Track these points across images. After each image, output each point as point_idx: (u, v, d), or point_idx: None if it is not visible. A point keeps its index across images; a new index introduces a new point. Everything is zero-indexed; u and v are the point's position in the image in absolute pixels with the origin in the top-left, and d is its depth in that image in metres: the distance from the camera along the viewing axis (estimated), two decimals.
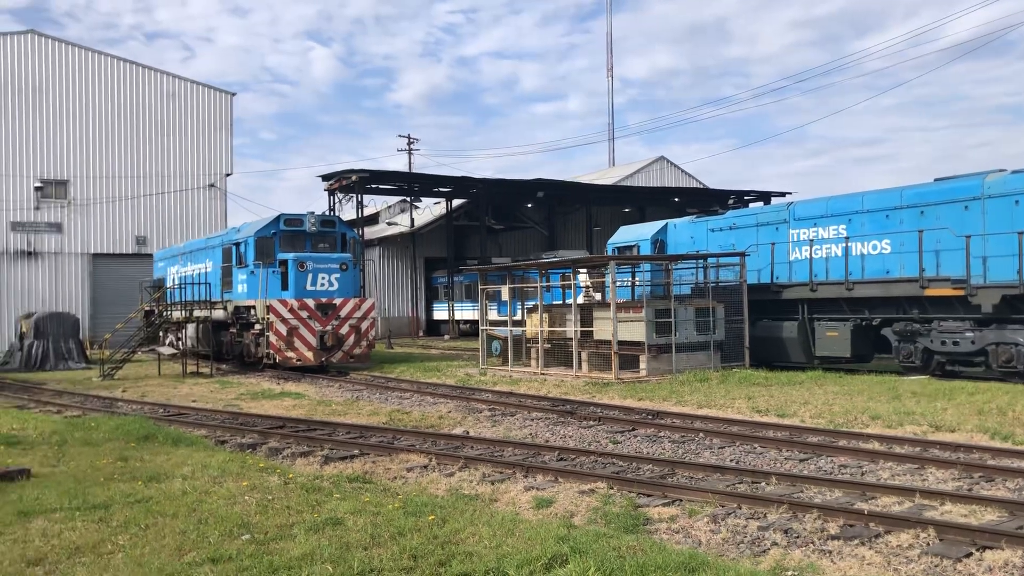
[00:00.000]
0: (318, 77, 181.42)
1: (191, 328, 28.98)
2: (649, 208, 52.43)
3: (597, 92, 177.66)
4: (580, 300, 30.00)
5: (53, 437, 12.56)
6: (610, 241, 27.36)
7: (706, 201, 52.76)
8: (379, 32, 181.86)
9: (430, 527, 6.94)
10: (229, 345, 27.02)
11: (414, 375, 23.15)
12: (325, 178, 43.20)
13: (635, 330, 20.11)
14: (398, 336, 44.93)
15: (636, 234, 26.83)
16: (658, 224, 26.64)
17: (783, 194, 52.61)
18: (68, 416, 16.55)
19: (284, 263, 24.32)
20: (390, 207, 57.34)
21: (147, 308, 34.30)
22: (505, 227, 51.39)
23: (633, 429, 13.32)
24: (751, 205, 54.29)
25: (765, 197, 52.89)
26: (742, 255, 21.65)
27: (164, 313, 28.18)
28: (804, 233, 21.78)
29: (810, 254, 21.27)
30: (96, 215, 42.89)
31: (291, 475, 9.27)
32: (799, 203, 22.56)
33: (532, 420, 14.70)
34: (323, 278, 24.38)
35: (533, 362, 23.57)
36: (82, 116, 42.69)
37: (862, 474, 9.87)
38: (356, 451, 11.90)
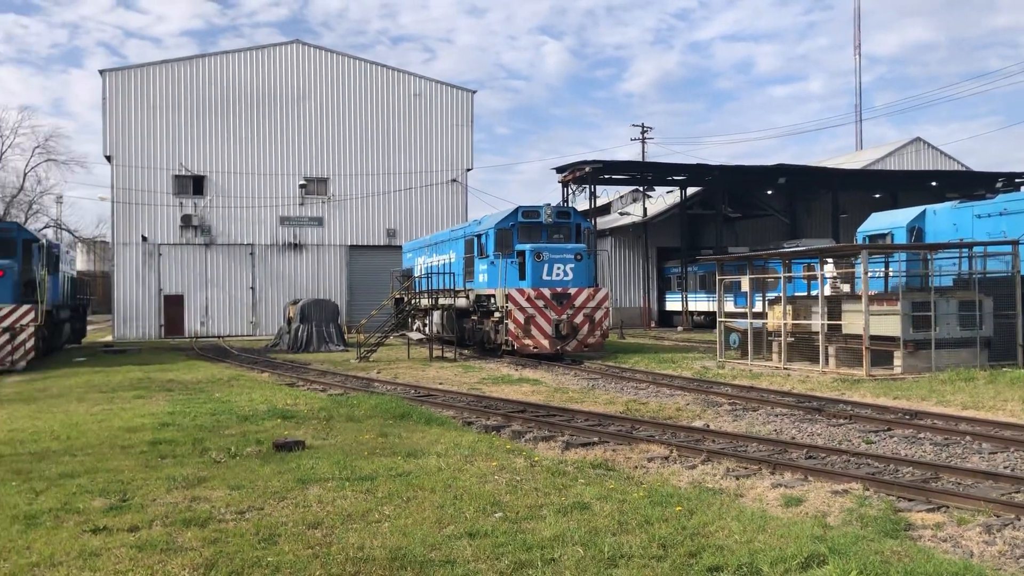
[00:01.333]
0: (550, 71, 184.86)
1: (436, 315, 30.57)
2: (902, 194, 48.69)
3: (840, 72, 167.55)
4: (826, 292, 28.52)
5: (321, 413, 13.72)
6: (860, 229, 25.73)
7: (969, 185, 48.31)
8: (611, 22, 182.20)
9: (677, 518, 6.88)
10: (470, 332, 28.23)
11: (648, 366, 23.04)
12: (559, 170, 43.95)
13: (889, 324, 18.80)
14: (629, 326, 44.89)
15: (890, 221, 25.05)
16: (915, 211, 24.70)
17: None
18: (331, 394, 17.99)
19: (522, 254, 25.03)
20: (622, 197, 57.34)
21: (396, 296, 36.62)
22: (742, 215, 49.80)
23: (889, 429, 12.47)
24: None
25: None
26: (1015, 243, 19.60)
27: (412, 301, 29.90)
28: None
29: None
30: (351, 210, 46.37)
31: (536, 458, 9.53)
32: None
33: (776, 416, 14.15)
34: (558, 268, 24.84)
35: (775, 356, 22.70)
36: (339, 118, 46.28)
37: None
38: (595, 438, 12.02)
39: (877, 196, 49.41)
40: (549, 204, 26.14)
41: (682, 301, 47.32)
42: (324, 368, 24.53)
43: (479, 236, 26.98)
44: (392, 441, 10.81)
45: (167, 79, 43.94)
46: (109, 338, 43.41)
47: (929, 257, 20.70)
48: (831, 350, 20.36)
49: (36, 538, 6.79)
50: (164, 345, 37.38)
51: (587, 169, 41.05)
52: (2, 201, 60.89)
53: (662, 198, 50.51)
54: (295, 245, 45.63)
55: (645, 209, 48.46)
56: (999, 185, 48.42)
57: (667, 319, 50.31)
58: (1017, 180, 48.96)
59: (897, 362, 18.74)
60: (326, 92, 46.20)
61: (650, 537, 6.33)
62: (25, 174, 61.56)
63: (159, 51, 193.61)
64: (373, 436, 11.21)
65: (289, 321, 35.80)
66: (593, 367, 23.00)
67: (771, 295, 24.39)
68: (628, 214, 50.26)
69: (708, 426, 13.06)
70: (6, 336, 24.28)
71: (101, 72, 43.47)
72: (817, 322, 20.59)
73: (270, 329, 44.20)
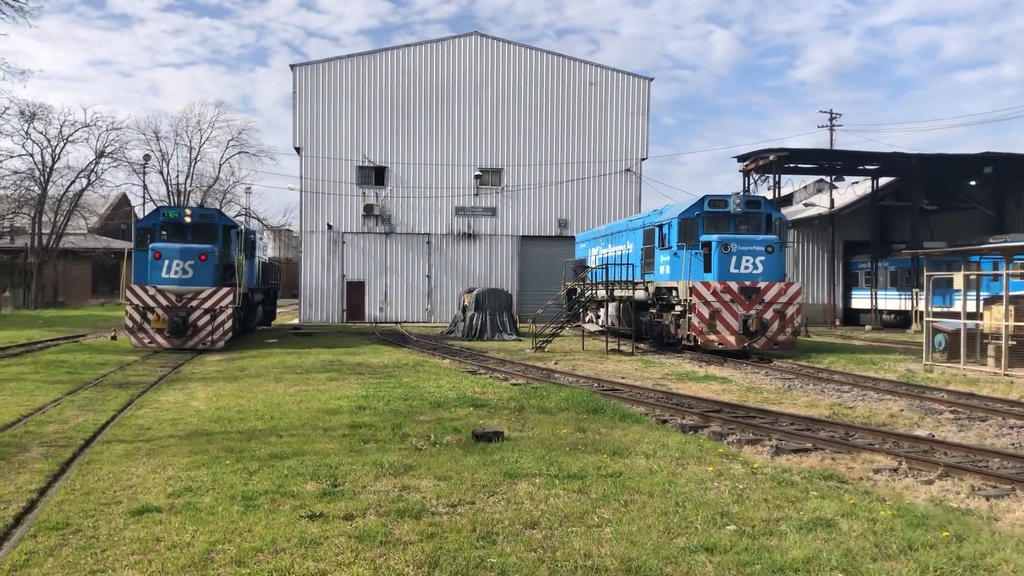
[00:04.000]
0: (717, 60, 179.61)
1: (611, 307, 29.99)
2: None
3: None
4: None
5: (511, 403, 13.47)
6: None
7: None
8: (781, 9, 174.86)
9: (946, 544, 6.02)
10: (648, 325, 27.46)
11: (846, 367, 21.53)
12: (740, 159, 42.27)
13: None
14: (813, 324, 42.56)
15: None
16: None
17: None
18: (516, 383, 17.79)
19: (707, 245, 24.00)
20: (806, 187, 54.61)
21: (570, 286, 36.29)
22: (939, 208, 46.15)
23: None
24: None
25: None
26: None
27: (590, 292, 29.43)
28: None
29: None
30: (524, 200, 46.45)
31: (755, 464, 8.79)
32: None
33: (1011, 429, 12.67)
34: (747, 260, 23.64)
35: (990, 360, 20.64)
36: (514, 108, 46.42)
37: None
38: (808, 444, 11.10)
39: None
40: (738, 193, 24.97)
41: (871, 299, 44.46)
42: (501, 357, 24.48)
43: (660, 226, 26.12)
44: (591, 437, 10.34)
45: (351, 73, 45.51)
46: (296, 321, 45.59)
47: None
48: None
49: (256, 521, 6.76)
50: (347, 329, 38.75)
51: (771, 157, 39.21)
52: (199, 190, 65.19)
53: (852, 189, 47.62)
54: (469, 235, 46.23)
55: (832, 200, 45.78)
56: None
57: (853, 317, 47.47)
58: None
59: None
60: (502, 83, 46.45)
61: (920, 567, 5.52)
62: (220, 165, 65.66)
63: (337, 49, 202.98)
64: (570, 430, 10.79)
65: (464, 309, 36.23)
66: (784, 366, 21.74)
67: (985, 294, 22.21)
68: (813, 205, 47.72)
69: (932, 436, 11.82)
70: (207, 317, 25.70)
71: (292, 67, 45.54)
72: None
73: (443, 316, 45.03)
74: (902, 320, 43.24)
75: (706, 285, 23.48)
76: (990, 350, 20.86)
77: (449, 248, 46.17)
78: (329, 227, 45.29)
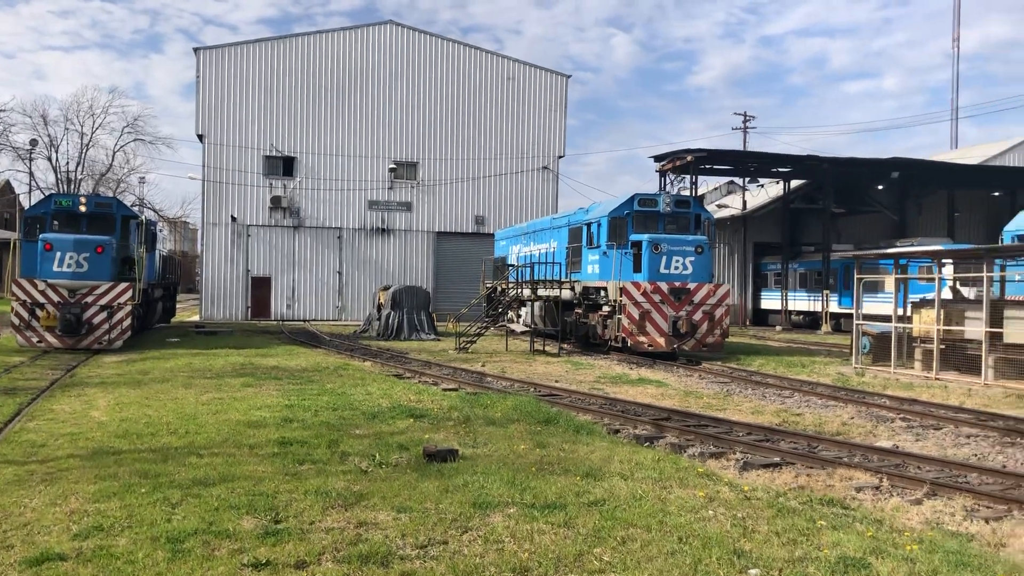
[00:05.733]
0: (619, 63, 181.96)
1: (535, 307, 29.19)
2: (1021, 192, 45.63)
3: (916, 69, 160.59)
4: (943, 295, 26.25)
5: (453, 413, 12.44)
6: (1008, 228, 23.57)
7: None
8: (680, 15, 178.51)
9: None
10: (574, 325, 26.77)
11: (776, 369, 21.30)
12: (657, 159, 42.11)
13: None
14: None
15: None
16: None
17: None
18: (446, 388, 16.76)
19: (638, 244, 23.44)
20: (717, 188, 55.18)
21: (490, 285, 35.37)
22: (846, 211, 47.17)
23: None
24: None
25: None
26: None
27: (513, 291, 28.55)
28: None
29: None
30: (440, 195, 45.30)
31: (746, 488, 8.02)
32: None
33: (968, 438, 12.36)
34: (677, 261, 23.19)
35: (918, 364, 20.72)
36: (431, 101, 45.18)
37: None
38: (776, 458, 10.46)
39: (996, 194, 46.37)
40: (668, 192, 24.53)
41: (782, 300, 45.08)
42: (425, 359, 23.38)
43: (589, 224, 25.45)
44: (554, 454, 9.42)
45: (259, 59, 43.42)
46: (196, 318, 43.27)
47: None
48: (990, 360, 18.33)
49: (188, 573, 5.57)
50: (253, 327, 36.86)
51: (689, 158, 39.13)
52: (91, 178, 61.51)
53: (766, 191, 48.22)
54: (383, 230, 44.80)
55: (744, 202, 46.25)
56: None
57: (762, 318, 48.12)
58: None
59: None
60: (418, 74, 45.15)
61: None
62: (114, 153, 62.07)
63: (235, 38, 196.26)
64: (529, 446, 9.84)
65: (379, 307, 34.88)
66: (715, 369, 21.35)
67: (914, 297, 22.35)
68: (726, 207, 48.15)
69: (897, 447, 11.37)
70: (103, 314, 23.71)
71: (196, 50, 43.15)
72: (976, 329, 18.59)
73: (355, 314, 43.50)
74: (811, 321, 43.97)
75: (636, 285, 22.92)
76: (917, 353, 20.93)
77: (361, 243, 44.63)
78: (233, 219, 43.13)
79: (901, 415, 14.24)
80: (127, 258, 25.63)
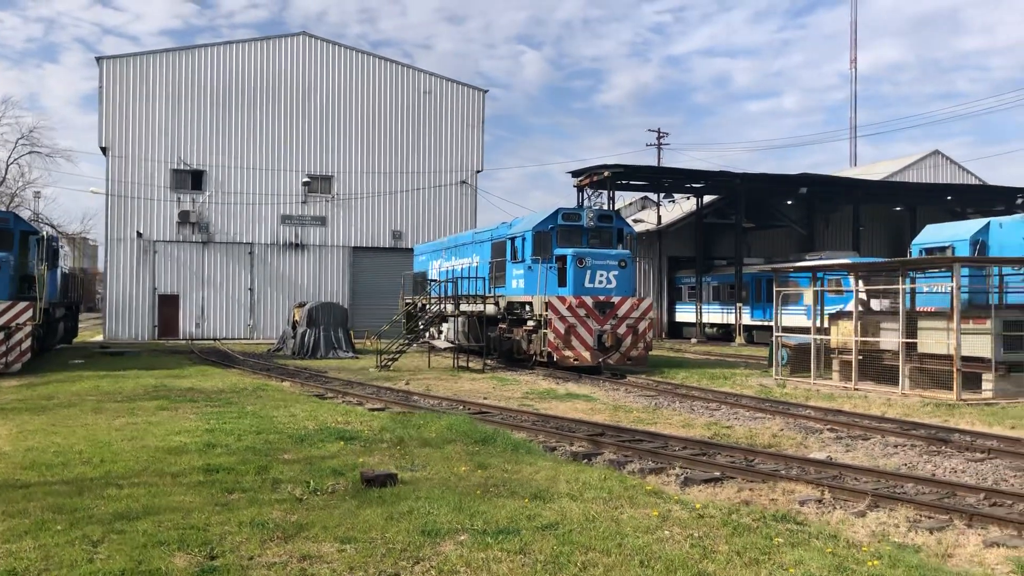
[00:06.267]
0: (529, 80, 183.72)
1: (457, 322, 28.87)
2: (921, 208, 47.68)
3: (813, 89, 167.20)
4: (848, 308, 27.10)
5: (385, 435, 12.02)
6: (916, 241, 24.33)
7: (989, 200, 47.33)
8: (588, 35, 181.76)
9: None
10: (497, 341, 26.54)
11: (700, 382, 21.49)
12: (575, 174, 42.40)
13: (976, 344, 17.34)
14: None
15: (949, 234, 23.64)
16: (977, 223, 23.33)
17: None
18: (372, 408, 16.29)
19: (562, 259, 23.40)
20: (631, 204, 55.91)
21: (410, 301, 34.85)
22: (756, 225, 48.44)
23: None
24: None
25: None
26: None
27: (437, 307, 28.14)
28: None
29: None
30: (356, 210, 44.54)
31: (697, 505, 7.89)
32: None
33: (895, 448, 12.60)
34: (601, 275, 23.24)
35: (836, 374, 21.23)
36: (346, 114, 44.45)
37: None
38: (717, 473, 10.41)
39: (897, 209, 48.29)
40: (591, 206, 24.59)
41: (696, 313, 45.86)
42: (345, 377, 22.78)
43: (513, 239, 25.30)
44: (497, 475, 9.14)
45: (166, 69, 41.95)
46: (99, 338, 41.37)
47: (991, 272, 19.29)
48: (905, 370, 18.88)
49: None
50: (160, 347, 35.41)
51: (606, 173, 39.51)
52: None
53: (679, 205, 49.07)
54: (296, 245, 43.74)
55: (659, 217, 46.97)
56: (1019, 201, 47.47)
57: (676, 330, 48.88)
58: None
59: (987, 385, 17.30)
60: (333, 87, 44.38)
61: None
62: (7, 166, 59.00)
63: (136, 49, 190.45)
64: (470, 468, 9.53)
65: (294, 325, 33.95)
66: (639, 382, 21.42)
67: (832, 309, 22.91)
68: (641, 221, 48.79)
69: (831, 458, 11.49)
70: (0, 336, 22.34)
71: (98, 59, 41.45)
72: (892, 340, 19.14)
73: (268, 332, 42.31)
74: (724, 333, 44.88)
75: (562, 300, 22.85)
76: (835, 364, 21.44)
77: (274, 259, 43.46)
78: (139, 235, 41.46)
79: (828, 426, 14.47)
80: (27, 276, 24.26)
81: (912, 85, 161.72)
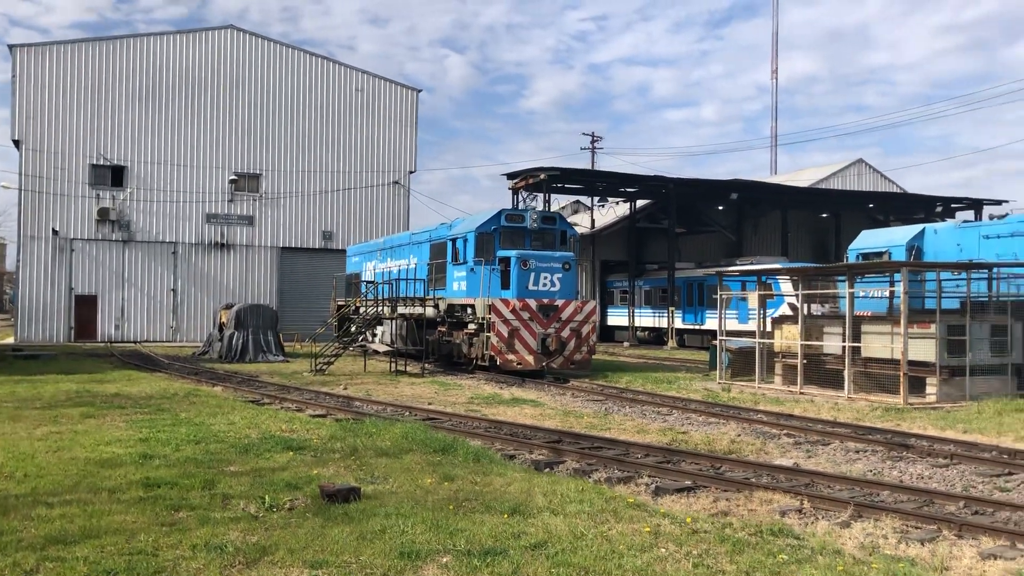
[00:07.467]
0: (453, 84, 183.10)
1: (395, 325, 28.13)
2: (845, 214, 48.81)
3: (731, 99, 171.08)
4: (779, 313, 27.39)
5: (336, 444, 11.33)
6: (852, 246, 24.69)
7: (909, 208, 48.79)
8: (511, 40, 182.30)
9: None
10: (436, 344, 25.91)
11: (645, 386, 21.26)
12: (510, 176, 42.04)
13: (921, 348, 17.51)
14: None
15: (886, 239, 24.05)
16: (912, 229, 23.82)
17: (998, 202, 47.99)
18: (313, 415, 15.53)
19: (506, 261, 22.92)
20: (564, 207, 55.82)
21: (342, 303, 33.92)
22: (687, 230, 48.85)
23: (1010, 473, 10.90)
24: (957, 214, 49.88)
25: (976, 206, 48.43)
26: None
27: (373, 309, 27.33)
28: None
29: None
30: (285, 209, 43.31)
31: (688, 520, 7.48)
32: None
33: (857, 453, 12.47)
34: (545, 278, 22.84)
35: (778, 378, 21.27)
36: (275, 111, 43.18)
37: None
38: (688, 482, 10.05)
39: (824, 215, 49.31)
40: (535, 208, 24.20)
41: (629, 316, 45.94)
42: (279, 382, 21.89)
43: (454, 240, 24.70)
44: (467, 488, 8.58)
45: (87, 60, 40.06)
46: (10, 340, 39.20)
47: (941, 276, 19.58)
48: (849, 374, 18.97)
49: None
50: (77, 350, 33.68)
51: (542, 176, 39.24)
52: None
53: (613, 210, 49.16)
54: (222, 245, 42.26)
55: (593, 220, 46.96)
56: (938, 209, 49.04)
57: (608, 334, 48.91)
58: (953, 206, 49.72)
59: (931, 389, 17.47)
60: (261, 82, 43.06)
61: None
62: None
63: (46, 40, 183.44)
64: (436, 480, 8.95)
65: (221, 327, 32.66)
66: (585, 386, 21.09)
67: (774, 314, 22.98)
68: (575, 225, 48.64)
69: (797, 465, 11.27)
70: None
71: (11, 47, 39.31)
72: (836, 344, 19.23)
73: (192, 335, 40.76)
74: (655, 337, 45.05)
75: (506, 302, 22.37)
76: (778, 368, 21.48)
77: (199, 259, 41.91)
78: (55, 233, 39.47)
79: (785, 431, 14.31)
80: None
81: (825, 97, 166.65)
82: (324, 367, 24.70)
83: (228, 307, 33.54)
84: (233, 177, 42.28)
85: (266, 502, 7.94)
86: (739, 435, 13.97)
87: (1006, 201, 47.09)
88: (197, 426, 13.02)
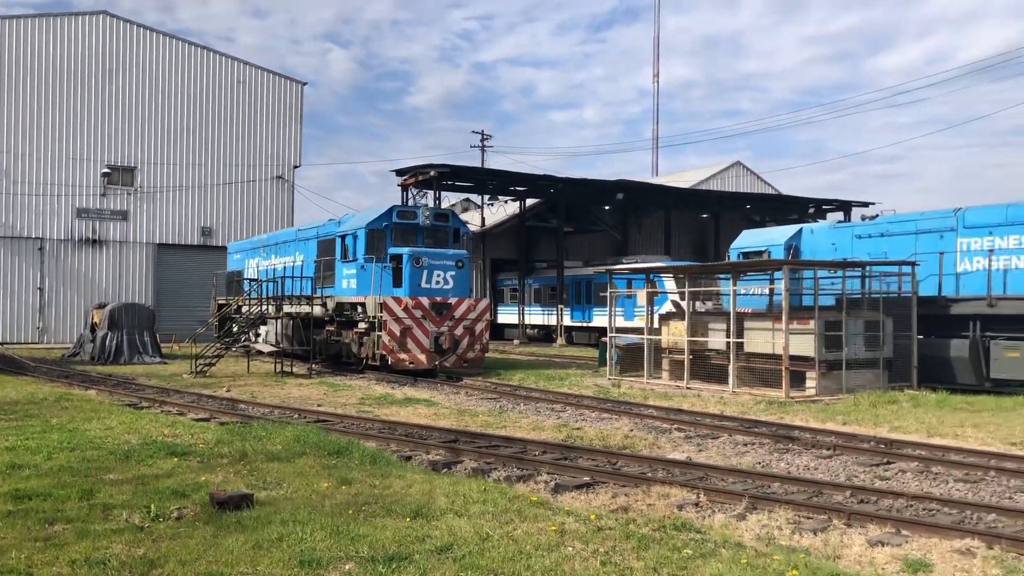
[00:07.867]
0: (336, 78, 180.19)
1: (280, 324, 27.33)
2: (724, 214, 50.49)
3: (613, 102, 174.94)
4: (664, 311, 28.12)
5: (223, 448, 10.83)
6: (734, 246, 25.50)
7: (784, 210, 50.81)
8: (396, 36, 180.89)
9: None
10: (324, 344, 25.32)
11: (537, 383, 21.37)
12: (399, 172, 41.52)
13: (801, 343, 18.20)
14: None
15: (765, 239, 24.95)
16: (790, 229, 24.79)
17: (865, 204, 50.53)
18: (197, 418, 14.88)
19: (398, 258, 22.59)
20: (454, 205, 55.64)
21: (223, 302, 32.76)
22: (575, 229, 49.50)
23: (888, 462, 11.41)
24: (828, 215, 52.28)
25: (846, 207, 50.89)
26: (913, 264, 19.71)
27: (257, 308, 26.46)
28: (977, 243, 19.85)
29: (988, 266, 19.29)
30: (162, 204, 41.51)
31: (592, 517, 7.45)
32: (970, 210, 20.54)
33: (745, 446, 12.83)
34: (438, 275, 22.64)
35: (665, 373, 21.74)
36: (152, 101, 41.31)
37: None
38: (586, 478, 10.09)
39: (704, 216, 50.84)
40: (427, 205, 23.97)
41: (519, 314, 46.19)
42: (157, 384, 20.96)
43: (343, 237, 24.17)
44: (367, 491, 8.33)
45: None
46: None
47: (818, 275, 20.45)
48: (733, 369, 19.56)
49: None
50: None
51: (432, 173, 38.94)
52: None
53: (503, 208, 49.30)
54: (94, 241, 40.09)
55: (484, 219, 46.97)
56: (811, 210, 51.29)
57: (498, 332, 49.03)
58: (825, 207, 52.10)
59: (810, 383, 18.18)
60: (137, 72, 41.07)
61: None
62: None
63: None
64: (332, 484, 8.66)
65: (93, 328, 31.02)
66: (478, 384, 21.02)
67: (661, 311, 23.47)
68: (465, 223, 48.55)
69: (690, 459, 11.48)
70: None
71: None
72: (720, 340, 19.78)
73: (61, 336, 38.54)
74: (544, 334, 45.50)
75: (397, 301, 22.04)
76: (665, 364, 21.95)
77: (68, 256, 39.63)
78: None
79: (675, 425, 14.60)
80: None
81: (701, 102, 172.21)
82: (205, 369, 23.77)
83: (101, 306, 31.86)
84: (106, 170, 40.19)
85: (151, 512, 7.48)
86: (632, 430, 14.16)
87: (873, 203, 49.61)
88: (71, 432, 12.23)
